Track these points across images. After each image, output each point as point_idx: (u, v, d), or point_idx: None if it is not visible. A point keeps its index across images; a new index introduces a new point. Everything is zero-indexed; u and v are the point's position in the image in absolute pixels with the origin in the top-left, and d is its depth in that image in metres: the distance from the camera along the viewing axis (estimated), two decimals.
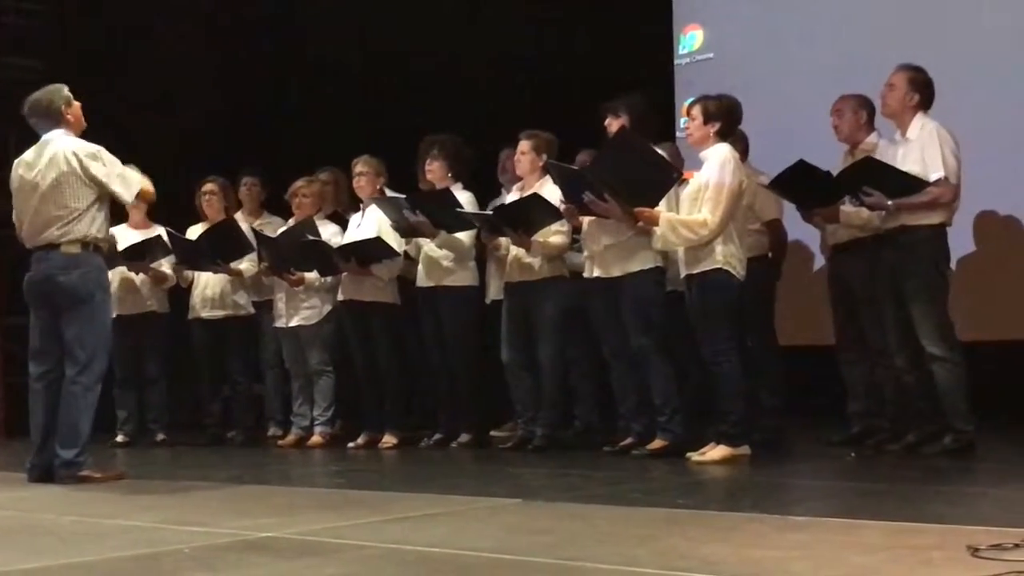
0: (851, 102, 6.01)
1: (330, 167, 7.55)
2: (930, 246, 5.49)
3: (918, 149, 5.47)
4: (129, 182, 5.54)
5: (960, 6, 7.06)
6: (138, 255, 7.40)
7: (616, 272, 5.87)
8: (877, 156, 5.64)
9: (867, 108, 5.97)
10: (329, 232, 7.14)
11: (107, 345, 5.58)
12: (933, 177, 5.41)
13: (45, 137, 5.57)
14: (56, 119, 5.56)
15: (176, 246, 7.43)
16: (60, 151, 5.47)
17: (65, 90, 5.63)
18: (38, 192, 5.48)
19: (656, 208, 5.57)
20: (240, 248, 7.34)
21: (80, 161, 5.43)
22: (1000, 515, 3.71)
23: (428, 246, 6.72)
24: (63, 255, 5.44)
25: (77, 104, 5.64)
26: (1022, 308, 6.77)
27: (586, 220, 5.96)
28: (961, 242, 6.06)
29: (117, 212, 6.12)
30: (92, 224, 5.46)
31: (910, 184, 5.42)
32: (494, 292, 6.85)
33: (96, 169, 5.44)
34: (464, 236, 6.63)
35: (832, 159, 5.94)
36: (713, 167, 5.47)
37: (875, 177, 5.48)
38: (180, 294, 7.84)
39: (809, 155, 5.74)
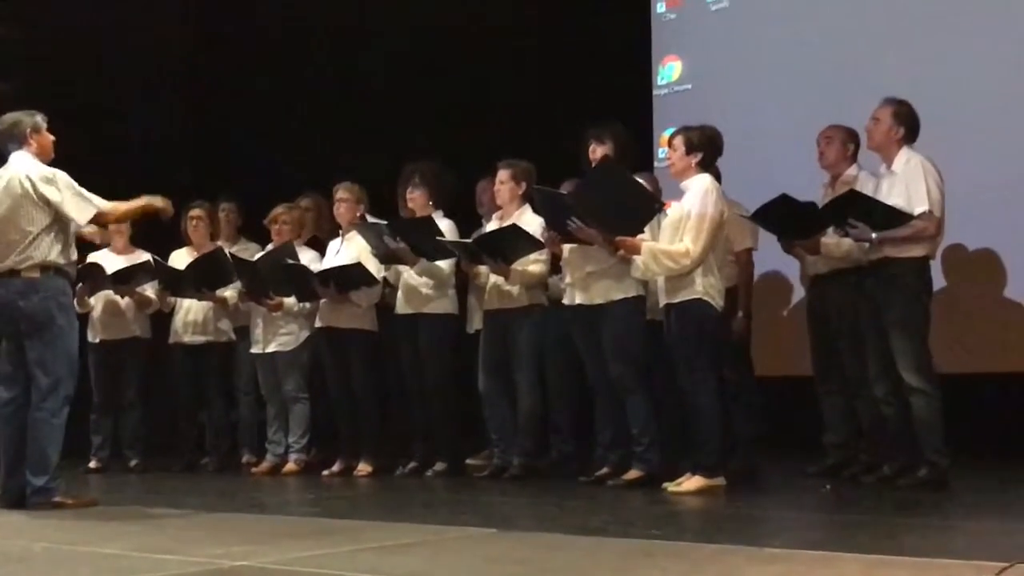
0: (841, 133, 6.06)
1: (311, 193, 7.55)
2: (913, 278, 5.52)
3: (903, 182, 5.51)
4: (83, 206, 5.46)
5: (937, 38, 7.11)
6: (124, 279, 7.37)
7: (599, 300, 5.87)
8: (858, 188, 5.69)
9: (854, 141, 6.03)
10: (307, 258, 7.12)
11: (73, 370, 5.52)
12: (918, 211, 5.44)
13: (9, 160, 5.55)
14: (19, 141, 5.53)
15: (161, 274, 7.41)
16: (15, 174, 5.44)
17: (38, 116, 5.59)
18: None
19: (637, 237, 5.58)
20: (225, 276, 7.32)
21: (33, 184, 5.39)
22: (974, 548, 3.72)
23: (408, 273, 6.71)
24: (23, 280, 5.39)
25: (48, 136, 5.59)
26: (996, 342, 6.82)
27: (567, 248, 5.97)
28: (938, 275, 6.09)
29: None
30: (51, 248, 5.41)
31: (895, 217, 5.45)
32: (477, 322, 6.83)
33: (50, 192, 5.39)
34: (444, 264, 6.63)
35: (810, 190, 5.97)
36: (695, 197, 5.49)
37: (860, 210, 5.51)
38: (161, 319, 7.81)
39: (786, 186, 5.76)
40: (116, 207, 5.66)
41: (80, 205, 5.46)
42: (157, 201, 5.81)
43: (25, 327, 5.40)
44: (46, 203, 5.40)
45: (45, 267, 5.41)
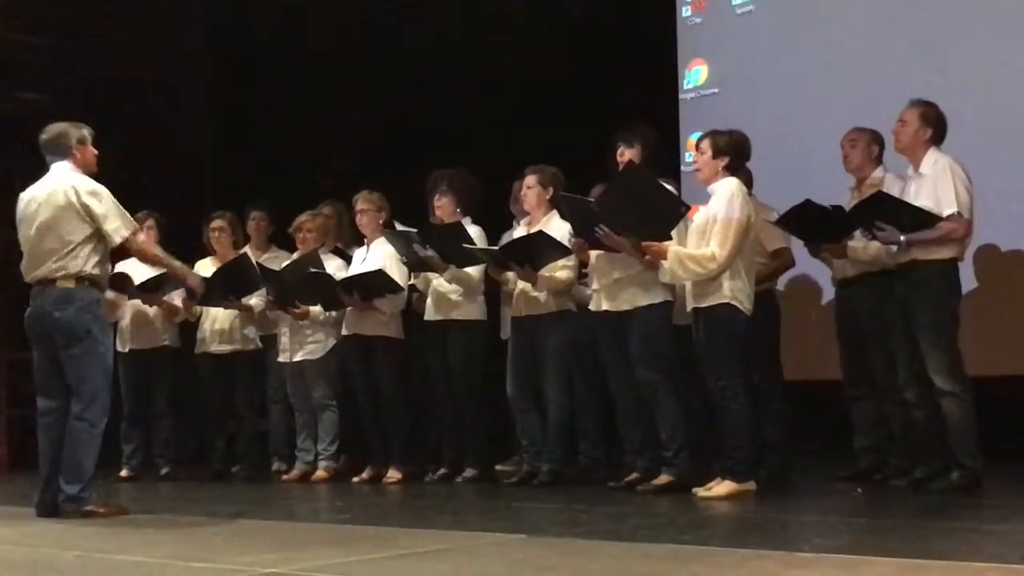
0: (866, 135, 6.05)
1: (332, 201, 7.56)
2: (942, 280, 5.48)
3: (931, 184, 5.48)
4: (123, 225, 5.51)
5: (965, 40, 7.07)
6: (152, 289, 7.42)
7: (625, 306, 5.86)
8: (884, 191, 5.66)
9: (879, 144, 6.01)
10: (333, 266, 7.14)
11: (109, 379, 5.57)
12: (946, 212, 5.41)
13: (51, 170, 5.59)
14: (63, 153, 5.58)
15: None
16: (60, 185, 5.49)
17: (84, 129, 5.65)
18: (36, 225, 5.50)
19: (664, 242, 5.57)
20: (252, 284, 7.34)
21: (78, 195, 5.45)
22: (1007, 552, 3.69)
23: (437, 280, 6.71)
24: (58, 290, 5.44)
25: (92, 150, 5.64)
26: None
27: (594, 254, 5.96)
28: (967, 276, 6.06)
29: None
30: (88, 260, 5.46)
31: (923, 219, 5.42)
32: (509, 329, 6.82)
33: (94, 205, 5.45)
34: (474, 271, 6.63)
35: (837, 193, 5.96)
36: (721, 201, 5.48)
37: (888, 212, 5.49)
38: (189, 328, 7.85)
39: (813, 189, 5.74)
40: (150, 246, 5.79)
41: (119, 224, 5.51)
42: (192, 278, 6.24)
43: (60, 338, 5.44)
44: (89, 215, 5.45)
45: (80, 278, 5.46)
